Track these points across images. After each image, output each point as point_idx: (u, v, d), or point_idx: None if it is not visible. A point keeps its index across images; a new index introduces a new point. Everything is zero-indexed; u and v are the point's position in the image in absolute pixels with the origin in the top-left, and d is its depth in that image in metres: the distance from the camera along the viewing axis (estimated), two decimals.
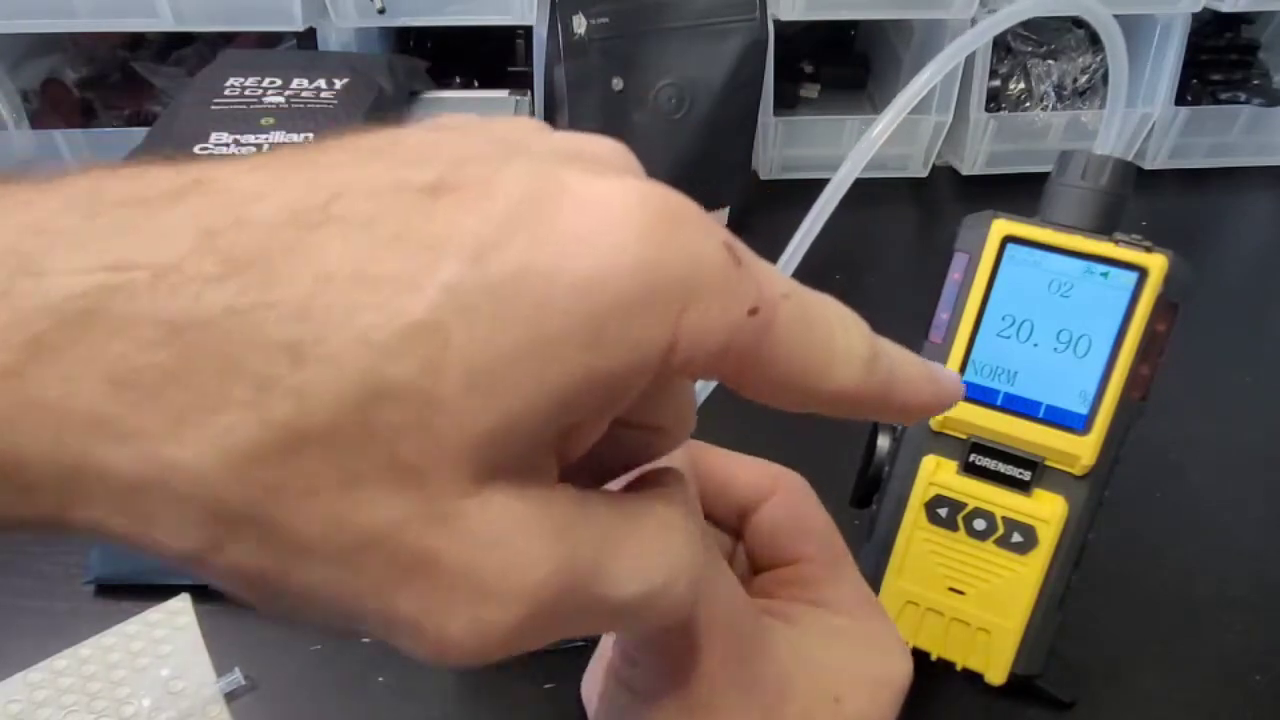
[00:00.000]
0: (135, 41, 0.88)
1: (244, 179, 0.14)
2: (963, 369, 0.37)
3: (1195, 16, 0.81)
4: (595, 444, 0.17)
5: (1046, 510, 0.37)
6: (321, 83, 0.63)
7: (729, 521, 0.27)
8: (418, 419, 0.13)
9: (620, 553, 0.16)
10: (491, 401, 0.13)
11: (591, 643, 0.45)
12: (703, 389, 0.27)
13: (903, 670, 0.25)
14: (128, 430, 0.12)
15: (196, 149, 0.56)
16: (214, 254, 0.13)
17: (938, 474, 0.38)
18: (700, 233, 0.15)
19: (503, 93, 0.75)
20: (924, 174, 0.89)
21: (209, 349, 0.12)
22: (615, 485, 0.19)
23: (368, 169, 0.14)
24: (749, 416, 0.26)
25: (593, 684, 0.26)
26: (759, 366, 0.16)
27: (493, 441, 0.13)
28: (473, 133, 0.16)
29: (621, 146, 0.17)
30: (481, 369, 0.13)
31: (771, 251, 0.25)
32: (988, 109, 0.87)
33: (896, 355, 0.19)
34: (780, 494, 0.27)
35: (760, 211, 0.82)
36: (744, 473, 0.27)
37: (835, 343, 0.17)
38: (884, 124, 0.25)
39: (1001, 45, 0.89)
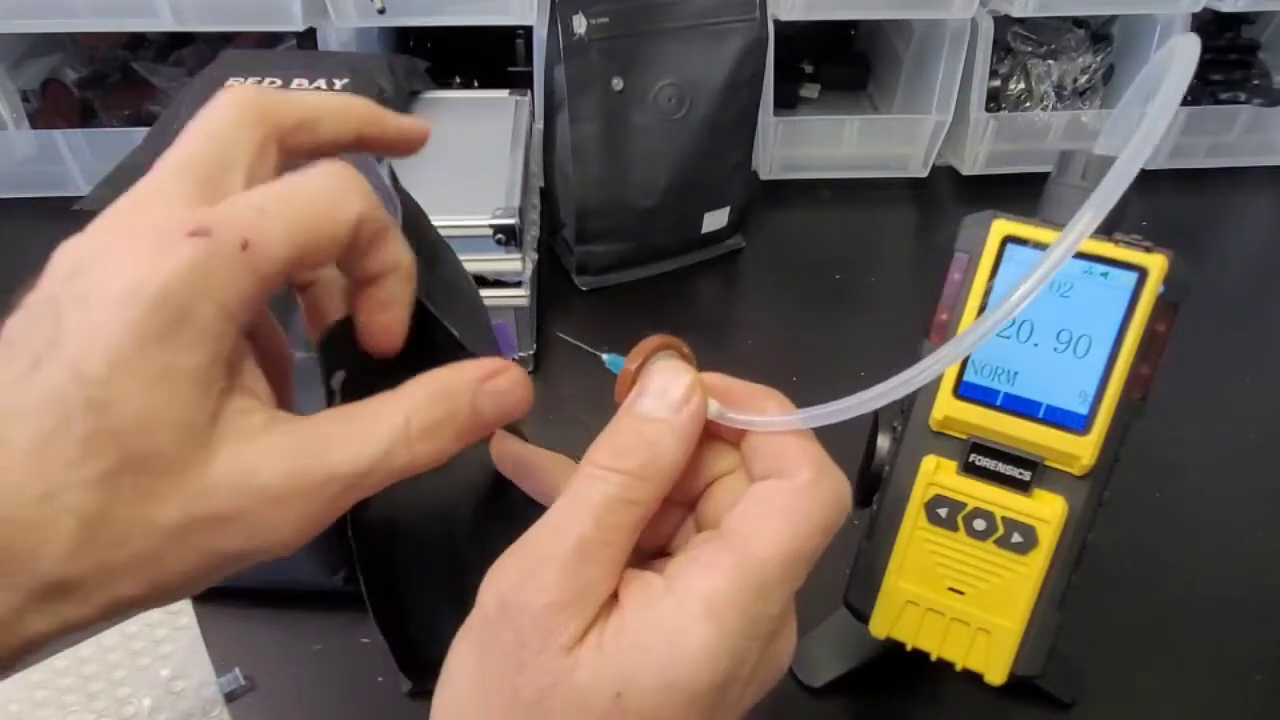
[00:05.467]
0: (135, 41, 0.88)
1: None
2: (962, 369, 0.37)
3: (1195, 16, 0.82)
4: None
5: (1046, 510, 0.37)
6: (321, 83, 0.63)
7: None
8: (140, 465, 0.20)
9: (337, 443, 0.23)
10: (130, 406, 0.20)
11: None
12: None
13: (702, 674, 0.21)
14: None
15: None
16: None
17: (938, 474, 0.38)
18: (168, 245, 0.21)
19: (503, 93, 0.75)
20: (924, 174, 0.89)
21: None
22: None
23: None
24: None
25: None
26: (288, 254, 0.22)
27: (159, 435, 0.20)
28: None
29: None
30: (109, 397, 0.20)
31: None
32: (988, 109, 0.87)
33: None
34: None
35: (760, 211, 0.82)
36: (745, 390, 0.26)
37: (333, 207, 0.23)
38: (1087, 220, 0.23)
39: (1001, 45, 0.89)
